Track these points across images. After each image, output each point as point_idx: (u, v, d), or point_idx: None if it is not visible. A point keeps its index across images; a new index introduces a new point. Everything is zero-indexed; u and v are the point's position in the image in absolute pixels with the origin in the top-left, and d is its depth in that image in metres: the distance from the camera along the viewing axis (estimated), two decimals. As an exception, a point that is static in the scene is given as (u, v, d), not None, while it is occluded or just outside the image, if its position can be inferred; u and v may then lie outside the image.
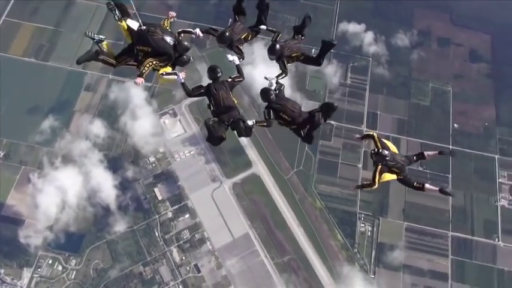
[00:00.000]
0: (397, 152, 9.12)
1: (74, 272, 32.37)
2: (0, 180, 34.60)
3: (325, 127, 38.07)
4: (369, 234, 34.75)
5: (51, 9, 41.91)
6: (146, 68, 7.94)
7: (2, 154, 35.47)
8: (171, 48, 8.04)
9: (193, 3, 42.65)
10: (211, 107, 8.35)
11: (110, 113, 37.22)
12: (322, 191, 35.95)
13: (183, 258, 33.18)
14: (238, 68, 9.00)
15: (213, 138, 8.21)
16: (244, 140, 36.70)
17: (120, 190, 34.85)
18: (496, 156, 38.03)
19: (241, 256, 33.40)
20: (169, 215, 34.36)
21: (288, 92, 37.37)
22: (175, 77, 8.34)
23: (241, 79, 8.76)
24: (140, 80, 7.94)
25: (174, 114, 37.79)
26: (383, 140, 9.06)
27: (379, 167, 8.71)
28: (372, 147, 9.08)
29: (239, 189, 35.67)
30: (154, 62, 7.96)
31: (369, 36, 42.86)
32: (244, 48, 10.22)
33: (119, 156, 36.41)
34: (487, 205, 35.95)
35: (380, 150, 8.67)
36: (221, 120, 8.11)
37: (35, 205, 33.63)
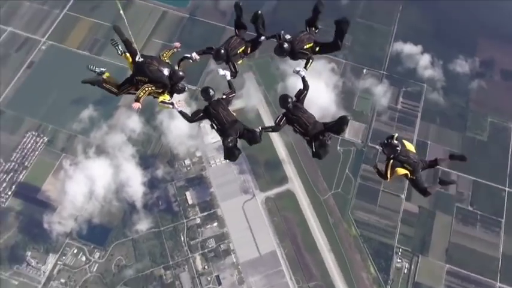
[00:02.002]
0: (414, 152, 9.18)
1: (96, 265, 33.82)
2: (41, 165, 37.01)
3: (369, 151, 37.63)
4: (405, 271, 33.84)
5: (110, 7, 44.90)
6: (142, 93, 8.67)
7: (46, 140, 37.87)
8: (167, 78, 8.80)
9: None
10: (215, 126, 8.81)
11: (150, 110, 38.53)
12: (359, 218, 35.58)
13: (206, 267, 33.74)
14: (230, 84, 9.47)
15: (232, 155, 8.72)
16: (282, 154, 37.18)
17: (148, 188, 36.27)
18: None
19: (265, 274, 33.56)
20: (198, 221, 35.27)
21: (333, 110, 37.16)
22: (172, 106, 9.07)
23: (233, 94, 9.31)
24: (137, 104, 8.64)
25: (214, 121, 38.54)
26: (402, 139, 9.14)
27: (391, 161, 8.84)
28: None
29: (272, 204, 36.05)
30: (150, 88, 8.70)
31: (425, 59, 42.42)
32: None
33: (152, 153, 37.99)
34: (544, 258, 33.66)
35: (390, 141, 8.78)
36: (230, 135, 8.51)
37: (64, 192, 35.61)
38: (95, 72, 9.24)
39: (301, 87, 9.32)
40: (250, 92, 39.76)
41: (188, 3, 45.50)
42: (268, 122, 36.24)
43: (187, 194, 36.09)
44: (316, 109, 36.25)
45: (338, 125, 8.54)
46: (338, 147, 37.33)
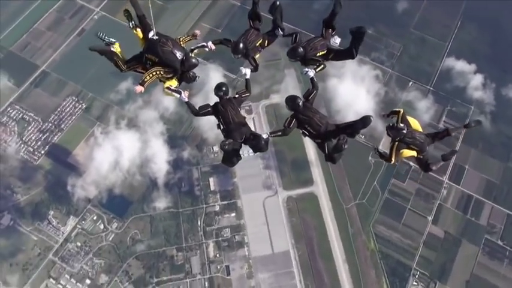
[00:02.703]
0: (420, 130, 9.08)
1: (113, 235, 34.84)
2: (76, 130, 38.50)
3: (402, 166, 35.90)
4: (420, 295, 32.83)
5: None
6: (149, 77, 8.19)
7: (84, 106, 39.10)
8: (179, 62, 8.31)
9: (296, 6, 42.84)
10: (221, 125, 8.46)
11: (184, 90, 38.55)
12: (380, 232, 34.75)
13: (217, 255, 34.05)
14: (247, 83, 9.13)
15: (229, 160, 8.48)
16: (311, 156, 36.55)
17: (172, 167, 36.76)
18: None
19: (275, 273, 33.56)
20: (217, 208, 35.60)
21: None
22: (178, 95, 8.58)
23: (248, 94, 8.92)
24: (140, 88, 8.19)
25: (250, 112, 38.62)
26: (407, 117, 9.04)
27: (396, 143, 8.73)
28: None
29: (293, 204, 35.80)
30: (158, 72, 8.23)
31: (477, 79, 40.48)
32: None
33: (182, 135, 38.51)
34: None
35: (396, 124, 8.60)
36: (233, 138, 8.13)
37: (92, 158, 36.67)
38: (104, 41, 8.79)
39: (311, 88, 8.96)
40: (288, 89, 39.16)
41: (241, -7, 45.26)
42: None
43: (211, 180, 36.45)
44: (353, 114, 35.19)
45: (359, 125, 7.97)
46: (370, 158, 36.14)
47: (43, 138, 37.97)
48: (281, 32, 9.56)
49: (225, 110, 8.36)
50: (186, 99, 8.58)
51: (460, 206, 35.32)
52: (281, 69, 40.18)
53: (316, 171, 36.53)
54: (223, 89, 8.52)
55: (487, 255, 33.60)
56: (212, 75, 38.64)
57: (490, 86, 40.18)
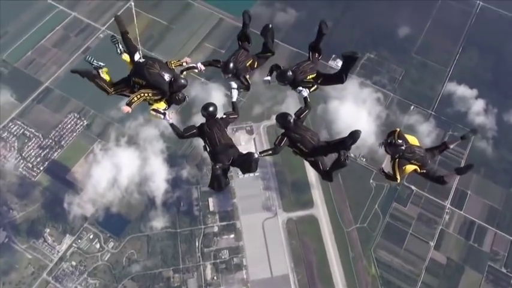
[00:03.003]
0: (418, 145, 8.87)
1: (109, 255, 34.35)
2: (76, 147, 38.29)
3: (403, 190, 35.40)
4: (421, 325, 31.85)
5: (170, 6, 47.03)
6: (136, 98, 7.94)
7: (85, 123, 39.39)
8: (167, 84, 8.08)
9: (298, 30, 43.31)
10: (207, 148, 8.15)
11: (187, 109, 38.02)
12: (381, 257, 34.14)
13: (215, 278, 33.51)
14: (234, 105, 8.92)
15: (218, 184, 8.04)
16: (312, 178, 36.05)
17: (170, 186, 36.34)
18: None
19: None
20: (215, 229, 35.11)
21: (371, 140, 34.97)
22: (163, 116, 8.35)
23: (235, 116, 8.67)
24: (127, 108, 7.94)
25: (250, 132, 38.26)
26: (404, 134, 8.82)
27: (397, 160, 8.48)
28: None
29: (292, 226, 35.33)
30: (146, 94, 8.02)
31: (478, 105, 40.50)
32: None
33: (183, 154, 38.23)
34: None
35: (394, 141, 8.40)
36: (220, 161, 7.83)
37: (90, 175, 36.31)
38: (92, 65, 8.66)
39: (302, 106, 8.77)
40: (290, 109, 38.48)
41: (246, 14, 45.74)
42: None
43: (210, 200, 36.03)
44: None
45: (349, 140, 7.60)
46: (371, 181, 35.64)
47: (43, 154, 37.82)
48: (268, 79, 9.43)
49: (211, 131, 8.04)
50: (171, 121, 8.30)
51: (462, 231, 34.82)
52: (283, 89, 40.12)
53: (317, 193, 36.18)
54: (210, 109, 8.21)
55: (491, 282, 32.91)
56: (214, 94, 38.59)
57: (491, 112, 40.24)
